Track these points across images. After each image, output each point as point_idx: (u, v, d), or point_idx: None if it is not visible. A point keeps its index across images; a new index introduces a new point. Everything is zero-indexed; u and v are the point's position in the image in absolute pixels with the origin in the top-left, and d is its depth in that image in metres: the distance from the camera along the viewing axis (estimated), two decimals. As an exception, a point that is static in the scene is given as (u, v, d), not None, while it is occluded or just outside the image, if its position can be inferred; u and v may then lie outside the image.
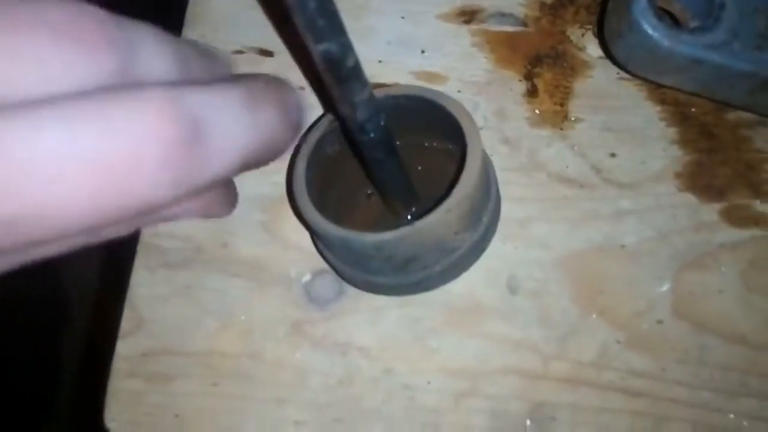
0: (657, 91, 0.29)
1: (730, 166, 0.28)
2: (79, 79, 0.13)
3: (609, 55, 0.28)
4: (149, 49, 0.14)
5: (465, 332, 0.27)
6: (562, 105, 0.29)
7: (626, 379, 0.26)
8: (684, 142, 0.28)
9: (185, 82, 0.15)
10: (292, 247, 0.28)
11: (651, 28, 0.22)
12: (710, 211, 0.28)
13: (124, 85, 0.14)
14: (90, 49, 0.13)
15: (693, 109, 0.28)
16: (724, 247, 0.27)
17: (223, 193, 0.20)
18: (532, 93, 0.29)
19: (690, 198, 0.28)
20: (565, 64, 0.29)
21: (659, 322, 0.27)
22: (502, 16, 0.30)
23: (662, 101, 0.29)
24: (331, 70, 0.18)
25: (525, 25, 0.30)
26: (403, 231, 0.21)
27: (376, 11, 0.29)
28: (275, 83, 0.17)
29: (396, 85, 0.26)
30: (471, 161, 0.22)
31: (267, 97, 0.16)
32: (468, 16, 0.30)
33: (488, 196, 0.24)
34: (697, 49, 0.23)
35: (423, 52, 0.29)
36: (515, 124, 0.29)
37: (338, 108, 0.20)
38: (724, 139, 0.28)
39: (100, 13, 0.14)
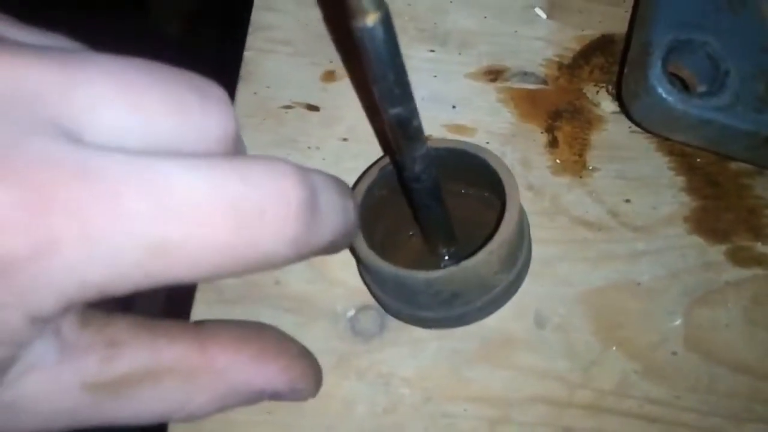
0: (665, 143, 0.32)
1: (733, 211, 0.31)
2: (213, 135, 0.16)
3: (623, 110, 0.31)
4: None
5: (497, 363, 0.29)
6: (580, 155, 0.32)
7: (644, 406, 0.29)
8: (691, 189, 0.31)
9: None
10: (338, 284, 0.30)
11: (665, 92, 0.26)
12: (716, 252, 0.30)
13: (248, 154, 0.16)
14: (222, 112, 0.16)
15: (698, 160, 0.32)
16: (729, 284, 0.30)
17: (313, 370, 0.23)
18: (553, 144, 0.32)
19: (698, 240, 0.31)
20: (582, 119, 0.32)
21: (673, 353, 0.29)
22: (524, 75, 0.33)
23: (670, 152, 0.32)
24: (400, 130, 0.21)
25: (545, 83, 0.33)
26: (450, 270, 0.24)
27: (411, 70, 0.32)
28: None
29: (442, 139, 0.29)
30: (510, 209, 0.25)
31: (349, 192, 0.19)
32: (494, 75, 0.33)
33: (523, 240, 0.27)
34: (706, 111, 0.26)
35: (454, 107, 0.32)
36: (538, 172, 0.31)
37: (401, 160, 0.23)
38: (727, 187, 0.31)
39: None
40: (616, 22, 0.34)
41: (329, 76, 0.33)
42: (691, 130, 0.27)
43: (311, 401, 0.28)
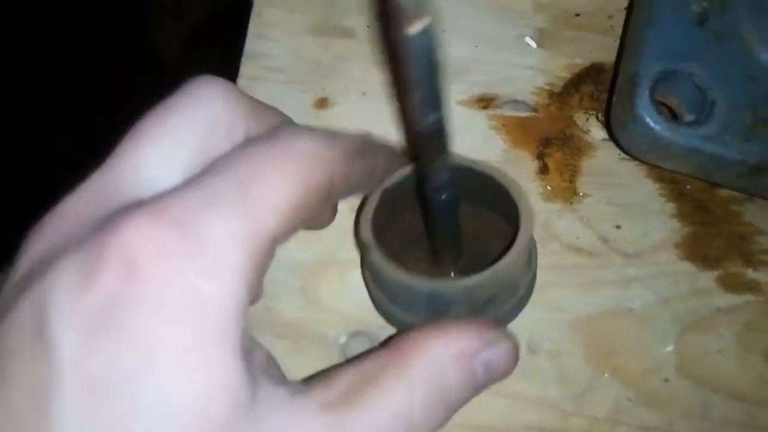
0: (655, 170, 0.32)
1: (724, 237, 0.31)
2: None
3: (612, 138, 0.31)
4: None
5: (490, 391, 0.29)
6: (571, 182, 0.32)
7: (638, 433, 0.29)
8: (681, 215, 0.31)
9: None
10: (329, 310, 0.30)
11: (653, 121, 0.26)
12: (708, 279, 0.31)
13: None
14: None
15: (688, 186, 0.32)
16: (721, 311, 0.30)
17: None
18: (543, 171, 0.32)
19: (689, 266, 0.31)
20: (572, 146, 0.33)
21: (666, 380, 0.29)
22: (515, 102, 0.33)
23: (660, 179, 0.32)
24: (435, 138, 0.21)
25: (536, 110, 0.33)
26: (486, 274, 0.24)
27: (404, 98, 0.33)
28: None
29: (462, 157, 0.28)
30: (525, 211, 0.25)
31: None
32: (485, 102, 0.33)
33: (534, 244, 0.28)
34: (693, 139, 0.26)
35: (446, 134, 0.33)
36: (530, 198, 0.32)
37: (429, 171, 0.23)
38: (717, 213, 0.31)
39: None
40: (606, 51, 0.34)
41: (322, 103, 0.33)
42: (679, 159, 0.27)
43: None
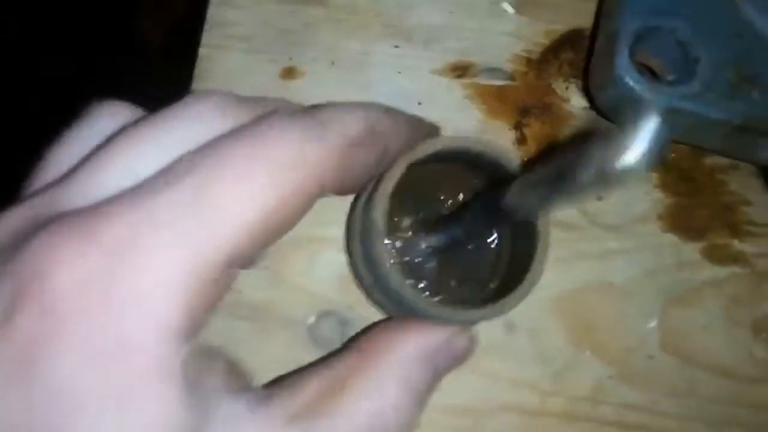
0: (638, 138, 0.31)
1: (709, 207, 0.30)
2: None
3: (592, 105, 0.30)
4: None
5: (465, 371, 0.27)
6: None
7: (620, 412, 0.27)
8: (664, 186, 0.30)
9: None
10: (297, 290, 0.29)
11: (633, 81, 0.24)
12: (692, 251, 0.29)
13: None
14: None
15: (672, 155, 0.30)
16: (706, 284, 0.29)
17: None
18: (521, 141, 0.31)
19: (673, 238, 0.29)
20: (551, 115, 0.31)
21: (649, 357, 0.28)
22: (491, 71, 0.32)
23: (643, 148, 0.31)
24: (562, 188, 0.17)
25: (513, 79, 0.32)
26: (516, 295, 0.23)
27: (375, 66, 0.31)
28: None
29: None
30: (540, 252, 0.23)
31: None
32: (460, 71, 0.32)
33: None
34: (675, 99, 0.25)
35: (419, 103, 0.31)
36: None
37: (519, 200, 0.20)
38: (701, 182, 0.30)
39: None
40: (586, 17, 0.33)
41: (289, 72, 0.31)
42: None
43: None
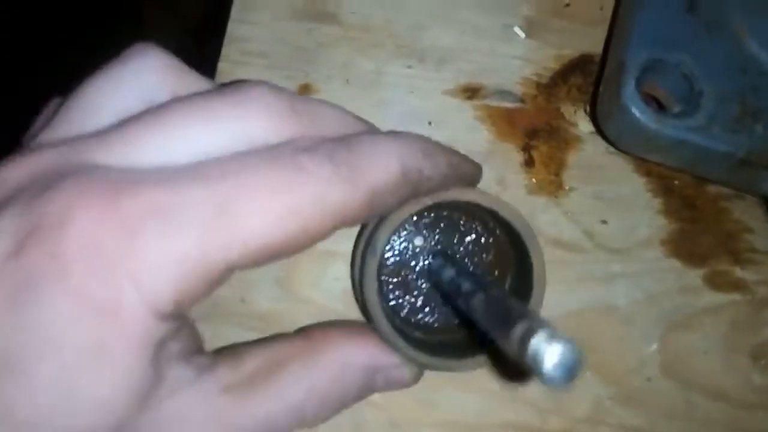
0: (643, 164, 0.31)
1: (712, 235, 0.30)
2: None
3: (599, 131, 0.30)
4: None
5: (465, 387, 0.28)
6: (556, 175, 0.31)
7: (618, 433, 0.28)
8: (668, 212, 0.31)
9: None
10: (304, 301, 0.29)
11: (639, 112, 0.25)
12: (694, 276, 0.30)
13: None
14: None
15: (676, 182, 0.31)
16: (707, 310, 0.29)
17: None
18: (529, 163, 0.31)
19: (675, 263, 0.30)
20: (559, 138, 0.32)
21: (648, 379, 0.29)
22: (502, 93, 0.32)
23: (648, 173, 0.31)
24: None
25: (523, 102, 0.32)
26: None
27: (388, 85, 0.32)
28: None
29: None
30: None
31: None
32: (471, 92, 0.32)
33: None
34: (680, 131, 0.25)
35: (430, 123, 0.32)
36: (514, 191, 0.31)
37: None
38: (705, 210, 0.31)
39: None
40: (596, 42, 0.33)
41: (305, 89, 0.32)
42: (666, 151, 0.26)
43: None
